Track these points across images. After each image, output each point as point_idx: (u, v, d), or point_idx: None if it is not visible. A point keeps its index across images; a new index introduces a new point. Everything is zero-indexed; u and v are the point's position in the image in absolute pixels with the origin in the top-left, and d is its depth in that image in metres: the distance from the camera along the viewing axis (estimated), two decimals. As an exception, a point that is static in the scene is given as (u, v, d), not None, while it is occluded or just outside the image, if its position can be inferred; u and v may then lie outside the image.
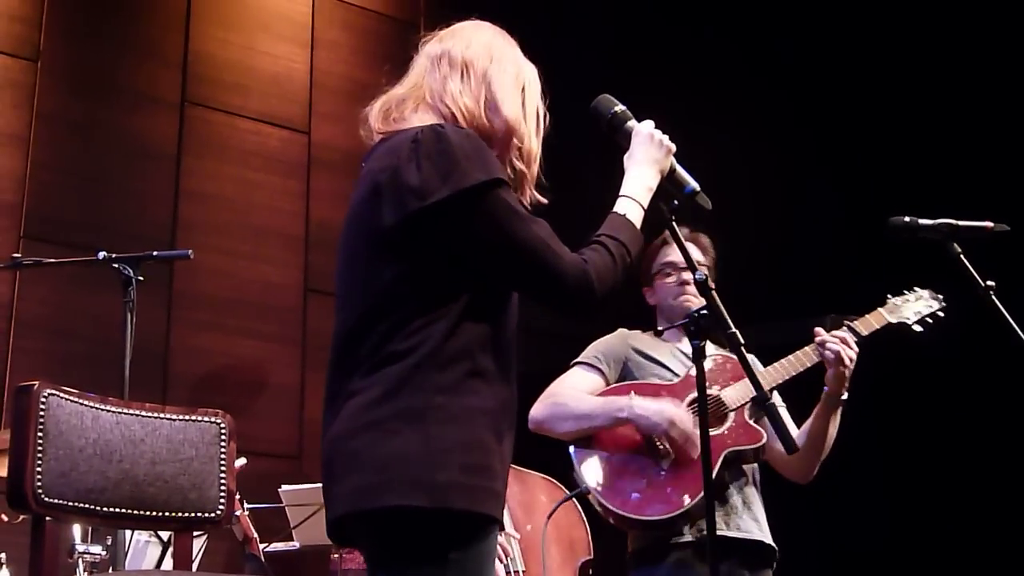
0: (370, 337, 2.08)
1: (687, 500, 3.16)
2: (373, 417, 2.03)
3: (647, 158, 2.37)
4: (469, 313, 2.09)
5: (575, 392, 3.38)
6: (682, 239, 2.51)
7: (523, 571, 3.57)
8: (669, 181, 2.40)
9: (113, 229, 5.32)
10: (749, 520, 3.30)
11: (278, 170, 6.04)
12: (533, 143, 2.28)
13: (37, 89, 5.37)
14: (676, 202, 2.42)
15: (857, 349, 3.29)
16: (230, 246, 5.73)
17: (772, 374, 3.34)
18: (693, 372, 3.18)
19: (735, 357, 3.41)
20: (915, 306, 3.48)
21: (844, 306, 3.56)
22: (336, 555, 4.01)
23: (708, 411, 3.12)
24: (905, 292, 3.52)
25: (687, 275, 3.42)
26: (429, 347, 2.04)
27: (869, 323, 3.40)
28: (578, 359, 3.49)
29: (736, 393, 3.32)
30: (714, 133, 5.84)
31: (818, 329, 3.34)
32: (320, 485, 3.75)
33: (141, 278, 3.95)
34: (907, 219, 3.09)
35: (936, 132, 6.23)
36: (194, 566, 3.58)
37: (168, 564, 3.84)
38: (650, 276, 3.53)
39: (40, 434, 2.66)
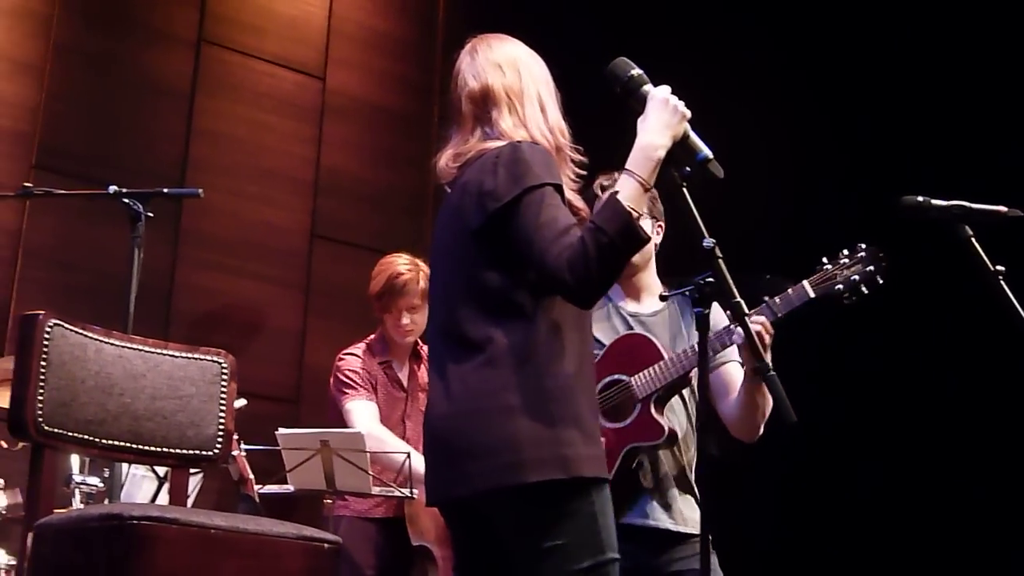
0: (472, 325, 2.38)
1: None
2: (491, 401, 2.32)
3: (660, 123, 2.39)
4: (552, 295, 2.39)
5: None
6: (692, 205, 2.50)
7: None
8: (681, 147, 2.41)
9: (123, 164, 5.31)
10: (658, 508, 3.17)
11: (291, 114, 6.02)
12: (566, 139, 2.57)
13: (55, 20, 5.35)
14: (688, 169, 2.42)
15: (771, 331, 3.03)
16: (239, 187, 5.72)
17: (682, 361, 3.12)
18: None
19: (649, 336, 3.22)
20: (849, 272, 3.16)
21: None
22: (329, 500, 4.04)
23: (621, 397, 3.13)
24: (843, 255, 3.19)
25: None
26: (527, 330, 2.35)
27: (789, 300, 3.13)
28: None
29: (646, 381, 3.13)
30: (730, 103, 5.80)
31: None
32: (317, 430, 3.81)
33: (151, 214, 3.95)
34: (919, 199, 3.07)
35: (953, 115, 6.20)
36: (189, 502, 3.61)
37: (163, 499, 3.87)
38: None
39: (43, 363, 2.68)
